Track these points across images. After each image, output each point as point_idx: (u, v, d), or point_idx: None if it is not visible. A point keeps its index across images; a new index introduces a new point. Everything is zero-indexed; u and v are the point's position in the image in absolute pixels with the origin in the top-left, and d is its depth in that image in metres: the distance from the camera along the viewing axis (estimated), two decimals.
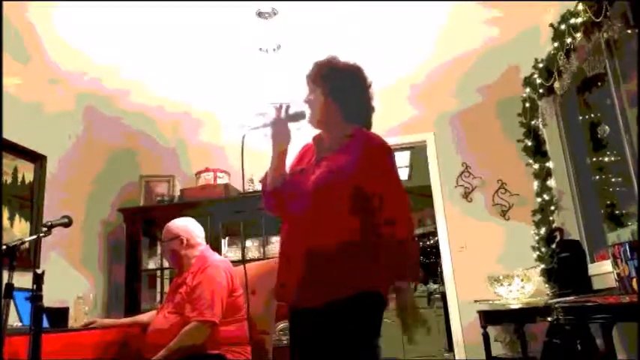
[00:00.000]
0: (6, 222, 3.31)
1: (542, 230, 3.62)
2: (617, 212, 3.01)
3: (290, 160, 1.95)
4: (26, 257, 3.38)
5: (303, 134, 1.96)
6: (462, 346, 4.06)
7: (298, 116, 1.85)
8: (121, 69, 3.83)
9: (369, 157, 1.73)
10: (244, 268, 2.07)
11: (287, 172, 1.90)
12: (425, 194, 4.97)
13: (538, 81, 3.39)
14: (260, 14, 3.24)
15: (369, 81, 1.88)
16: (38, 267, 3.39)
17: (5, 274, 1.75)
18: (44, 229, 2.01)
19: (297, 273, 1.72)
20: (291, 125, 1.86)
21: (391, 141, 4.27)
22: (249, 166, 2.26)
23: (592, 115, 3.24)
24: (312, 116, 1.87)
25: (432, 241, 7.94)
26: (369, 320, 1.64)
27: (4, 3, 2.85)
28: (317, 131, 1.93)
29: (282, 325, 3.21)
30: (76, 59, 3.64)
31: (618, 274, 2.25)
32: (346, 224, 1.68)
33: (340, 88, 1.83)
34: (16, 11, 3.01)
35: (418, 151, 5.15)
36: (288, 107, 1.83)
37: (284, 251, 1.83)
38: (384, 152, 1.77)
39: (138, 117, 4.50)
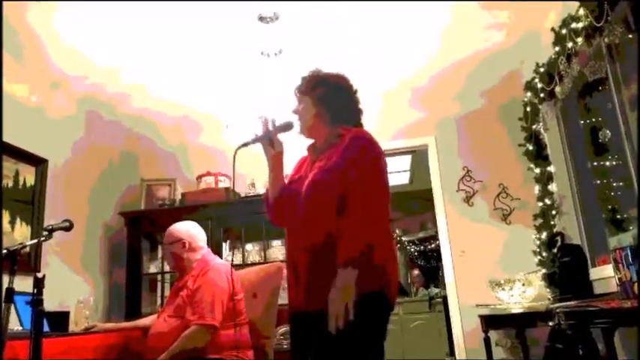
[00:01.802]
0: (7, 226, 3.31)
1: (544, 234, 3.61)
2: (618, 216, 3.00)
3: (289, 172, 1.98)
4: (27, 261, 3.37)
5: (301, 143, 1.97)
6: (463, 351, 4.05)
7: (287, 127, 1.88)
8: (122, 72, 3.84)
9: (350, 149, 1.71)
10: (238, 272, 2.07)
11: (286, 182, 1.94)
12: (426, 198, 4.98)
13: (539, 85, 3.39)
14: (262, 18, 3.26)
15: (354, 88, 1.93)
16: (39, 271, 3.38)
17: (6, 278, 1.75)
18: (45, 232, 2.01)
19: (298, 276, 1.74)
20: (286, 135, 1.88)
21: (392, 145, 4.40)
22: (250, 170, 2.28)
23: (593, 120, 3.23)
24: (302, 125, 1.90)
25: (433, 245, 7.93)
26: (370, 322, 1.60)
27: (4, 4, 2.85)
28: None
29: (283, 329, 3.21)
30: (77, 62, 3.65)
31: (620, 279, 2.24)
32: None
33: (328, 95, 1.87)
34: (16, 13, 3.02)
35: (419, 155, 5.15)
36: (274, 120, 1.86)
37: (287, 255, 1.87)
38: (363, 144, 1.73)
39: (139, 120, 4.51)
